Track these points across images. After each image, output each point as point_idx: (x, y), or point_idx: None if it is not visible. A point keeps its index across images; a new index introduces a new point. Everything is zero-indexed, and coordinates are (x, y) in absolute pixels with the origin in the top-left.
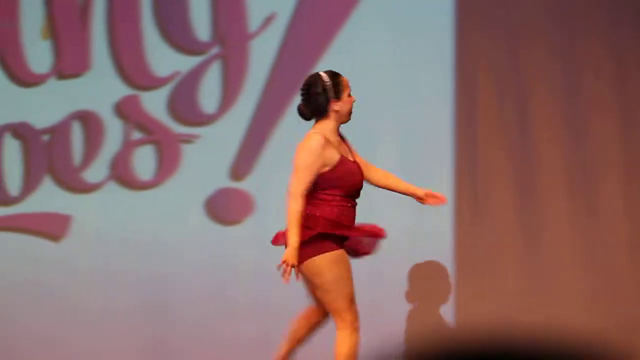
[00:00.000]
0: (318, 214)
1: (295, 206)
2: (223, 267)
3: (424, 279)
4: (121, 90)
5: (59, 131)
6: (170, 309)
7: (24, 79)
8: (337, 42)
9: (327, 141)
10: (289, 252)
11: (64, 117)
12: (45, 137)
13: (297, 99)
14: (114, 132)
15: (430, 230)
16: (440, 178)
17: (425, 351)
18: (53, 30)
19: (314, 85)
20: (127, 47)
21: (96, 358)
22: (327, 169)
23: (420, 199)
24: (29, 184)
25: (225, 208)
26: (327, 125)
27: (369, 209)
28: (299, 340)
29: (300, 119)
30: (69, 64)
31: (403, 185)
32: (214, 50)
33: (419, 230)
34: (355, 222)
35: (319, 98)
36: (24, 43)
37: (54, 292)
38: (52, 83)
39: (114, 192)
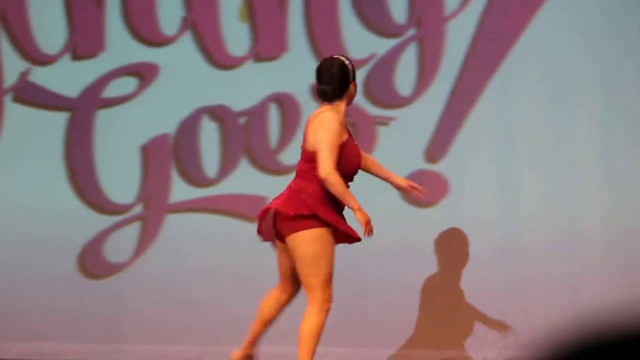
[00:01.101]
0: (311, 190)
1: (337, 180)
2: (417, 250)
3: (622, 267)
4: None
5: (256, 113)
6: (366, 292)
7: (222, 61)
8: (532, 25)
9: (340, 120)
10: (360, 212)
11: (261, 100)
12: (243, 120)
13: (494, 82)
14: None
15: (629, 221)
16: None
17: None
18: (251, 12)
19: (342, 67)
20: (324, 29)
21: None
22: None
23: (401, 189)
24: (226, 166)
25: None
26: (340, 107)
27: (564, 195)
28: (268, 321)
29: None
30: (267, 46)
31: (384, 172)
32: (411, 32)
33: (617, 220)
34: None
35: (344, 80)
36: (223, 26)
37: (251, 273)
38: (250, 65)
39: None
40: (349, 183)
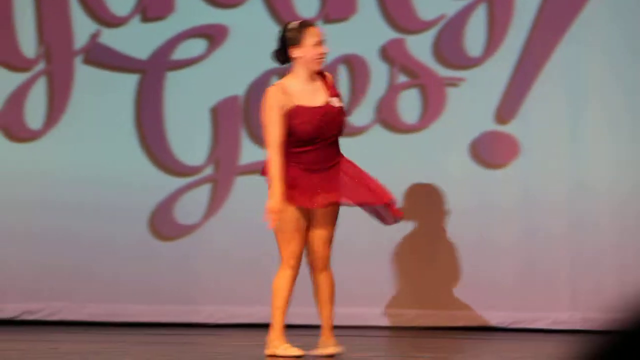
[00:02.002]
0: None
1: (273, 156)
2: (488, 210)
3: None
4: (387, 33)
5: None
6: (437, 253)
7: None
8: None
9: (284, 91)
10: (272, 200)
11: (331, 61)
12: None
13: (564, 43)
14: (379, 75)
15: None
16: None
17: None
18: None
19: (283, 31)
20: None
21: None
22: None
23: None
24: None
25: (490, 151)
26: (295, 72)
27: (637, 157)
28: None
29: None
30: (336, 7)
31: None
32: None
33: None
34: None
35: (280, 44)
36: None
37: None
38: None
39: (379, 135)
40: (311, 147)
